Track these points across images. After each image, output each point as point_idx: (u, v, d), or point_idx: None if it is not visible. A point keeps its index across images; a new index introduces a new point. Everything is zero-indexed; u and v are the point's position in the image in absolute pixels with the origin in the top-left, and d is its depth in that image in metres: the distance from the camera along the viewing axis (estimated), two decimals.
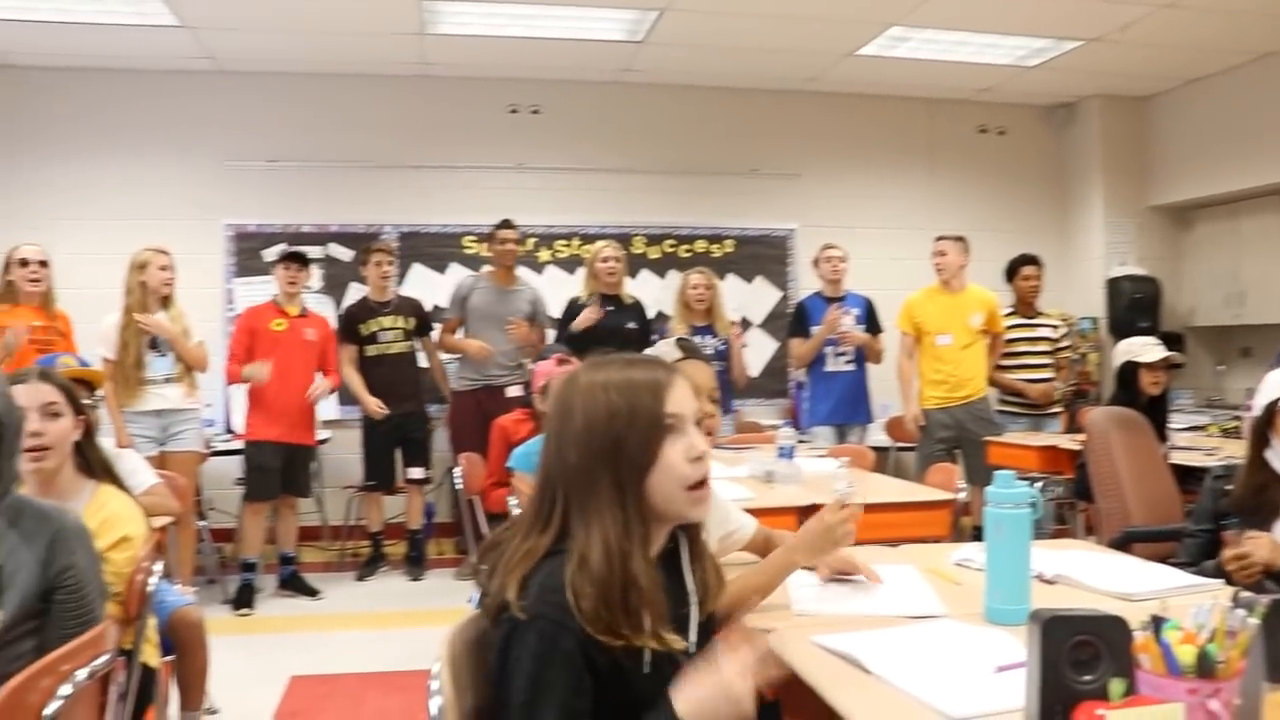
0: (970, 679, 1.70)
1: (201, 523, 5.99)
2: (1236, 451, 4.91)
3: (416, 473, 6.32)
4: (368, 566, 6.37)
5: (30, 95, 7.11)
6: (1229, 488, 2.86)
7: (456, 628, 1.77)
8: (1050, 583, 2.38)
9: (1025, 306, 6.74)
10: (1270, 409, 2.76)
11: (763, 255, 8.06)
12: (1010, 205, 8.47)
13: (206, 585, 5.95)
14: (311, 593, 5.89)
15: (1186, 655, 1.23)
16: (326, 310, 7.03)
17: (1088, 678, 1.24)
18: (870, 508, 3.82)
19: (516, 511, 3.61)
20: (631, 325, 6.29)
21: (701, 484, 1.60)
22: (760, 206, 8.06)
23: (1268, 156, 7.33)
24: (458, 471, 4.65)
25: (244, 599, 5.66)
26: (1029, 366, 6.58)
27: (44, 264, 5.29)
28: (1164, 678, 1.23)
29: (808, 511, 3.76)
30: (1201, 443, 5.59)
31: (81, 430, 2.62)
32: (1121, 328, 8.08)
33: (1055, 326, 6.89)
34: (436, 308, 6.91)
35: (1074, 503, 6.67)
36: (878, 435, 7.07)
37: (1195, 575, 2.46)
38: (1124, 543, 3.56)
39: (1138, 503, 3.76)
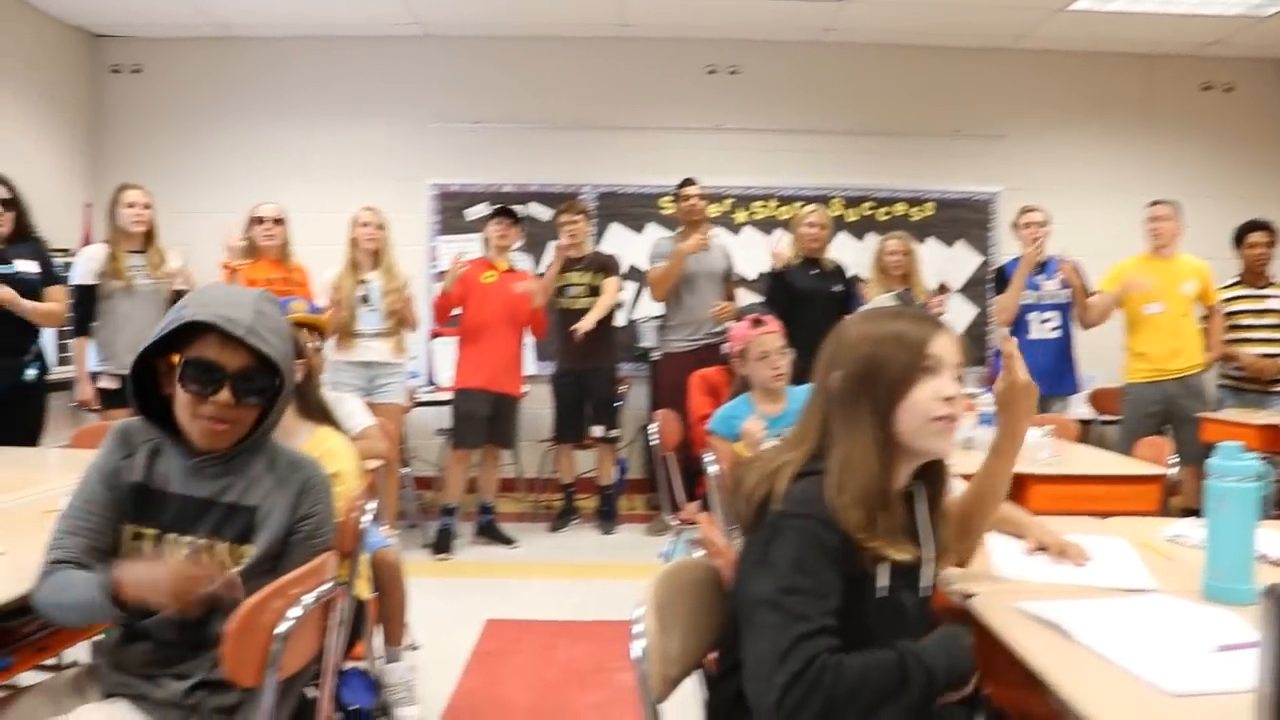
0: (1188, 656, 1.63)
1: (404, 470, 6.26)
2: None
3: (599, 431, 6.41)
4: (560, 519, 6.54)
5: (259, 64, 7.55)
6: None
7: (663, 573, 1.81)
8: (1278, 564, 2.25)
9: (1253, 276, 6.32)
10: None
11: (964, 219, 7.83)
12: (1234, 168, 7.95)
13: (408, 529, 6.23)
14: (507, 541, 6.08)
15: None
16: (527, 269, 7.22)
17: None
18: (1076, 479, 3.75)
19: (714, 470, 3.65)
20: (838, 289, 6.18)
21: (948, 419, 1.72)
22: (963, 168, 7.82)
23: None
24: (653, 428, 4.69)
25: (443, 544, 5.91)
26: (1255, 341, 6.19)
27: (279, 221, 5.61)
28: None
29: (1014, 480, 3.66)
30: None
31: (302, 373, 2.76)
32: None
33: None
34: (634, 268, 6.98)
35: None
36: (1081, 408, 6.79)
37: None
38: None
39: None
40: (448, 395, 6.30)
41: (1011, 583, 2.07)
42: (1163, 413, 5.87)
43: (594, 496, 6.71)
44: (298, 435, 2.74)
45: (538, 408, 6.97)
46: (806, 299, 5.99)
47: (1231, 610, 1.87)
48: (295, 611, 1.82)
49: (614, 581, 5.29)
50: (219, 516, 2.01)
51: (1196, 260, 6.04)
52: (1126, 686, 1.53)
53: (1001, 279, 6.23)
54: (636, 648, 1.70)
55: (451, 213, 7.52)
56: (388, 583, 3.31)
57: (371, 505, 2.66)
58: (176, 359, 1.94)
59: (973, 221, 7.84)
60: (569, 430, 6.45)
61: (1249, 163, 8.00)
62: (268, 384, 1.98)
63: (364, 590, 2.77)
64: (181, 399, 1.95)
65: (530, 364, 7.15)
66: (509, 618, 4.71)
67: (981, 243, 7.83)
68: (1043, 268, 6.14)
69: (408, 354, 5.82)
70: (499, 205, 6.13)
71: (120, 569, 1.86)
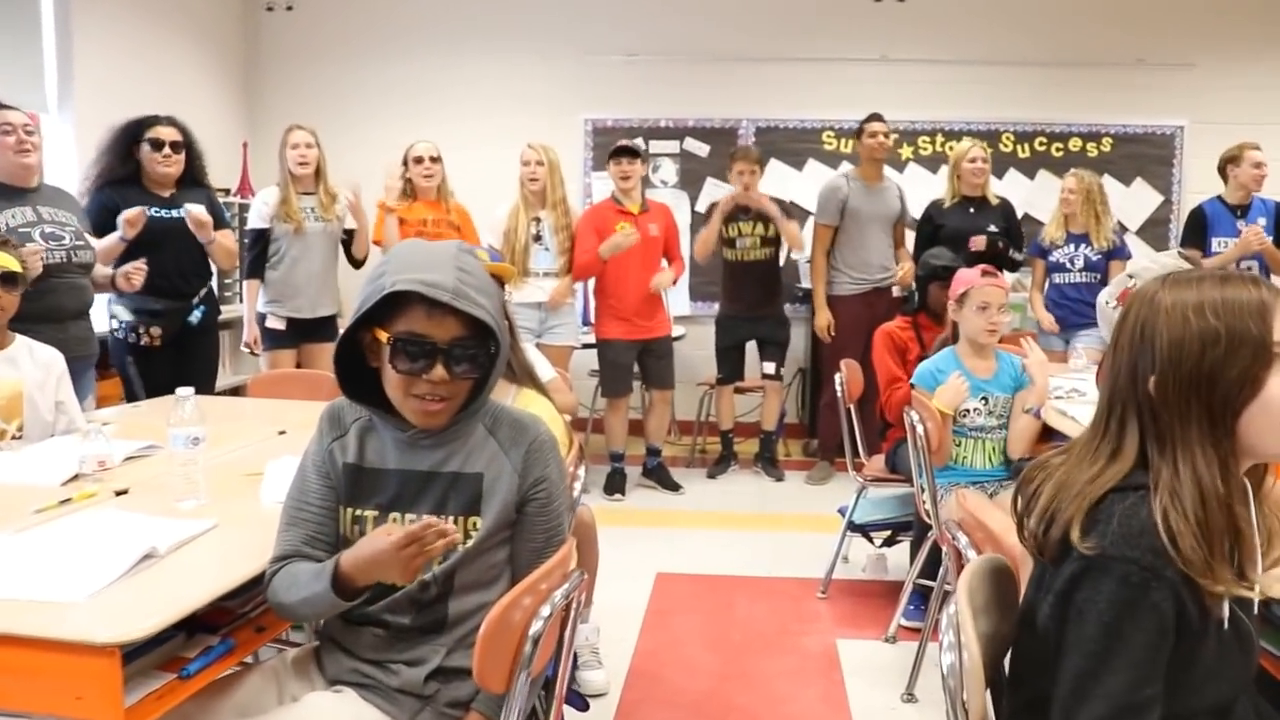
0: None
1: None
2: None
3: (770, 367, 6.19)
4: (719, 464, 6.38)
5: None
6: None
7: (971, 573, 1.61)
8: None
9: None
10: None
11: (1144, 155, 7.32)
12: None
13: None
14: (674, 487, 5.96)
15: None
16: (682, 205, 7.03)
17: None
18: None
19: (920, 428, 3.43)
20: (993, 228, 5.86)
21: None
22: (1145, 101, 7.29)
23: None
24: (838, 377, 4.48)
25: (615, 485, 5.87)
26: None
27: (435, 159, 5.49)
28: None
29: None
30: None
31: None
32: None
33: None
34: (792, 204, 6.73)
35: None
36: None
37: None
38: None
39: None
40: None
41: None
42: None
43: (751, 441, 6.54)
44: (502, 399, 2.60)
45: (693, 349, 6.80)
46: (958, 239, 5.70)
47: None
48: (546, 610, 1.68)
49: (781, 534, 5.14)
50: (442, 489, 1.87)
51: None
52: None
53: (1198, 221, 5.80)
54: (946, 660, 1.50)
55: (606, 148, 7.28)
56: (582, 543, 3.19)
57: (581, 472, 2.52)
58: (382, 334, 1.80)
59: (1154, 158, 7.33)
60: (731, 372, 6.26)
61: None
62: (481, 350, 1.82)
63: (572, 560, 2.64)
64: (392, 378, 1.82)
65: (684, 304, 7.00)
66: (679, 571, 4.59)
67: (1163, 180, 7.33)
68: (1245, 212, 5.71)
69: (576, 294, 5.69)
70: (618, 144, 5.87)
71: (343, 557, 1.75)
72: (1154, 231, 7.26)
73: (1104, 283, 5.69)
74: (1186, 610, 1.34)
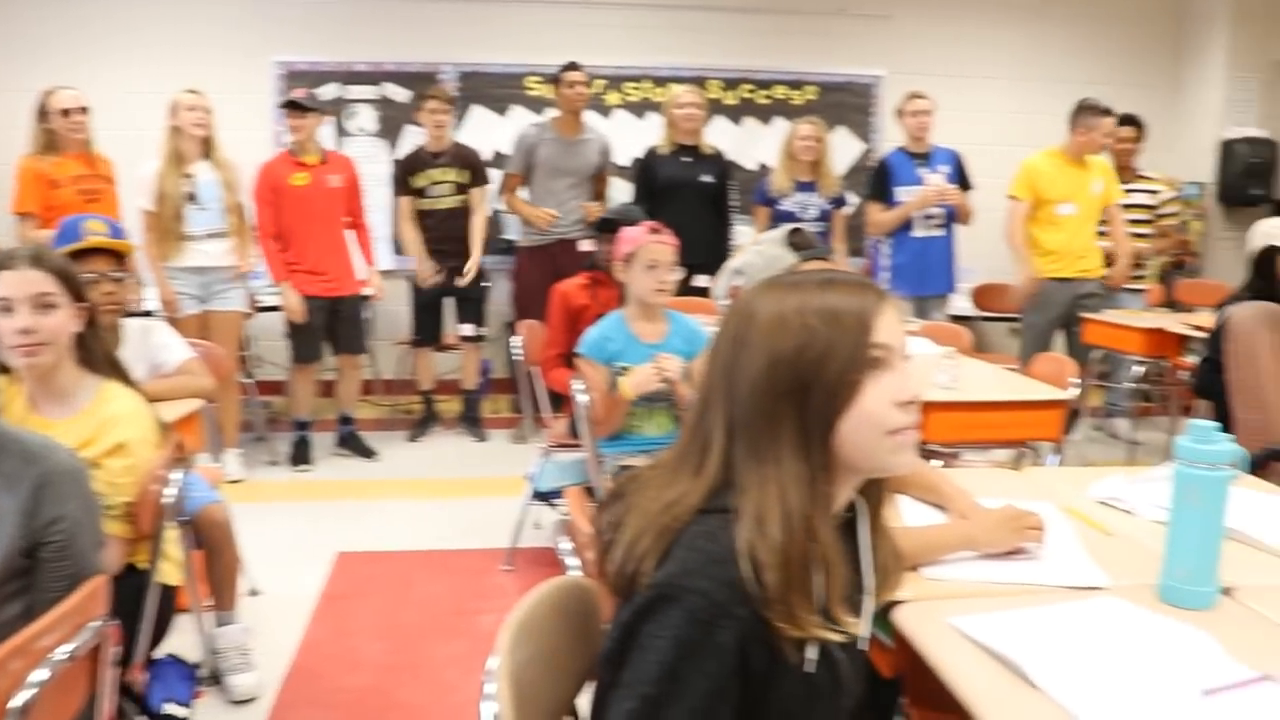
0: (1173, 710, 1.33)
1: (247, 380, 5.72)
2: None
3: (468, 329, 5.97)
4: (420, 426, 6.11)
5: None
6: None
7: (528, 606, 1.42)
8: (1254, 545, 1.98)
9: (1121, 170, 6.15)
10: None
11: (846, 104, 7.45)
12: (1122, 56, 7.70)
13: (254, 443, 5.73)
14: (368, 454, 5.65)
15: None
16: (381, 155, 6.65)
17: None
18: (977, 406, 3.50)
19: (583, 399, 3.27)
20: (708, 179, 5.82)
21: (905, 430, 1.29)
22: (846, 50, 7.41)
23: None
24: (515, 340, 4.29)
25: (301, 455, 5.49)
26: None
27: (84, 110, 4.91)
28: None
29: None
30: None
31: (84, 320, 2.25)
32: (1231, 195, 7.51)
33: (1154, 192, 6.31)
34: (498, 154, 6.47)
35: (1167, 383, 6.27)
36: (961, 303, 6.61)
37: None
38: (1265, 461, 3.15)
39: None
40: None
41: (941, 583, 1.75)
42: (1067, 314, 5.71)
43: (456, 400, 6.30)
44: (80, 393, 2.25)
45: (395, 305, 6.46)
46: (672, 189, 5.63)
47: (1191, 618, 1.60)
48: (41, 675, 1.38)
49: (479, 500, 4.93)
50: None
51: (1103, 160, 5.82)
52: None
53: (882, 172, 5.91)
54: (487, 712, 1.30)
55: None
56: (217, 543, 2.89)
57: (177, 475, 2.22)
58: None
59: (855, 106, 7.47)
60: (428, 332, 6.00)
61: (1136, 49, 7.76)
62: None
63: (172, 575, 2.32)
64: None
65: (387, 259, 6.64)
66: (363, 549, 4.31)
67: (864, 129, 7.49)
68: (927, 159, 5.86)
69: (251, 255, 5.22)
70: (285, 99, 5.45)
71: None
72: (856, 179, 7.39)
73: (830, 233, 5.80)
74: (754, 655, 1.17)
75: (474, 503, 4.90)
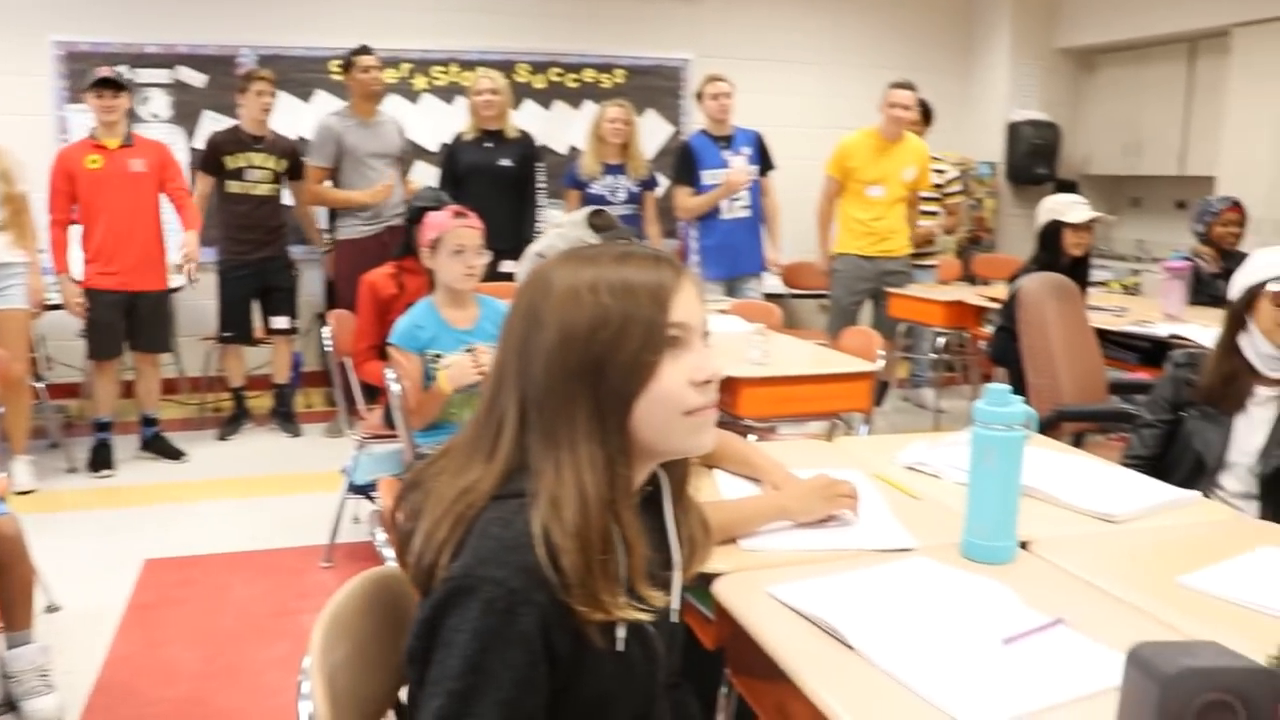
0: (977, 659, 1.40)
1: (38, 383, 5.38)
2: (1147, 313, 4.77)
3: (280, 322, 5.79)
4: (230, 424, 5.89)
5: None
6: (1194, 377, 2.62)
7: (340, 601, 1.39)
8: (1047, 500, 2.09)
9: None
10: (1251, 293, 2.50)
11: (654, 87, 7.52)
12: (917, 42, 8.03)
13: (48, 450, 5.42)
14: (175, 455, 5.39)
15: None
16: (177, 142, 6.33)
17: None
18: (787, 380, 3.59)
19: (396, 388, 3.22)
20: (507, 163, 5.78)
21: (703, 410, 1.27)
22: (654, 33, 7.48)
23: (1174, 3, 7.06)
24: (326, 331, 4.19)
25: (102, 459, 5.19)
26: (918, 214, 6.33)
27: None
28: None
29: (722, 384, 3.44)
30: (1107, 300, 5.44)
31: None
32: (1019, 174, 7.92)
33: (941, 171, 6.61)
34: (301, 139, 6.28)
35: (967, 352, 6.59)
36: (771, 282, 6.77)
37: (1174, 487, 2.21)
38: (1055, 422, 3.35)
39: (1068, 377, 3.53)
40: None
41: (758, 554, 1.79)
42: (872, 289, 5.90)
43: (267, 395, 6.10)
44: None
45: (200, 299, 6.19)
46: (473, 174, 5.60)
47: (994, 573, 1.69)
48: None
49: (295, 497, 4.79)
50: None
51: (919, 143, 6.02)
52: (917, 713, 1.28)
53: (686, 155, 5.99)
54: (303, 711, 1.27)
55: (83, 76, 6.41)
56: (7, 560, 2.71)
57: None
58: None
59: (663, 90, 7.56)
60: (238, 327, 5.78)
61: (928, 36, 8.10)
62: None
63: None
64: None
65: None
66: (173, 555, 4.13)
67: (673, 112, 7.58)
68: (729, 142, 5.97)
69: (34, 247, 4.90)
70: (98, 75, 5.13)
71: None
72: (665, 162, 7.47)
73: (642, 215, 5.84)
74: (558, 639, 1.16)
75: (290, 500, 4.76)
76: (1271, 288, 2.45)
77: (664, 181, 6.74)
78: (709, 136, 5.98)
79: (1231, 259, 4.79)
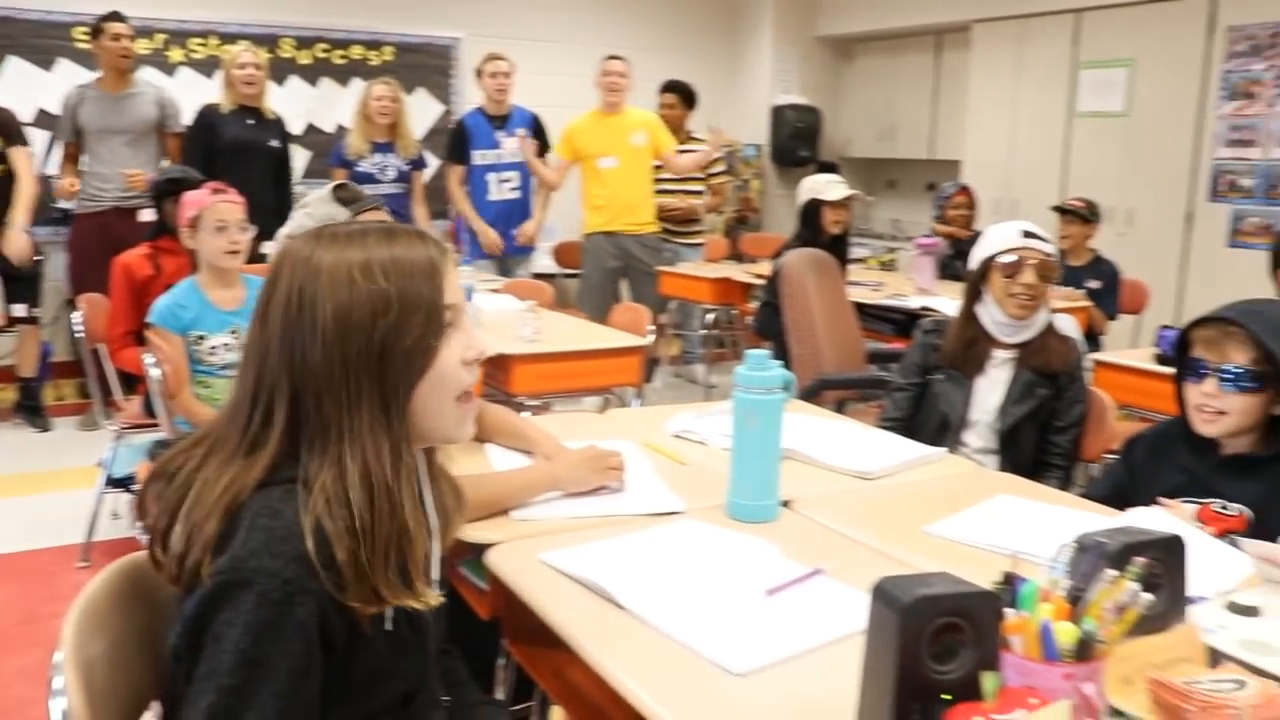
0: (742, 610, 1.46)
1: None
2: (902, 287, 5.04)
3: (20, 310, 5.38)
4: None
5: None
6: (939, 342, 2.80)
7: (91, 592, 1.33)
8: (782, 458, 2.19)
9: (673, 134, 6.54)
10: (985, 265, 2.69)
11: (425, 65, 7.40)
12: (682, 26, 8.20)
13: None
14: None
15: (1066, 636, 1.02)
16: None
17: (947, 668, 1.00)
18: (560, 356, 3.63)
19: (156, 372, 3.07)
20: (275, 143, 5.60)
21: (469, 395, 1.28)
22: (423, 11, 7.34)
23: None
24: (76, 316, 3.94)
25: None
26: (677, 193, 6.46)
27: None
28: (1036, 663, 1.02)
29: (493, 362, 3.45)
30: (866, 276, 5.72)
31: None
32: (783, 156, 8.21)
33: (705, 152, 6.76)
34: (43, 113, 5.88)
35: (736, 328, 6.80)
36: (543, 261, 6.81)
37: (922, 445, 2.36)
38: (815, 390, 3.50)
39: (829, 348, 3.70)
40: None
41: (531, 523, 1.81)
42: (621, 267, 5.95)
43: (11, 389, 5.69)
44: None
45: None
46: (239, 152, 5.37)
47: (757, 531, 1.77)
48: None
49: (47, 495, 4.49)
50: None
51: (645, 112, 6.10)
52: (690, 667, 1.32)
53: (460, 134, 5.95)
54: (55, 709, 1.20)
55: None
56: None
57: None
58: None
59: (434, 68, 7.45)
60: None
61: (695, 21, 8.28)
62: None
63: None
64: None
65: None
66: None
67: (443, 91, 7.48)
68: (505, 122, 5.95)
69: None
70: None
71: None
72: (436, 141, 7.37)
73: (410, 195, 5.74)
74: (334, 624, 1.14)
75: (41, 499, 4.46)
76: (1001, 260, 2.64)
77: (434, 161, 6.66)
78: (485, 115, 5.94)
79: (964, 241, 5.14)
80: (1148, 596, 1.03)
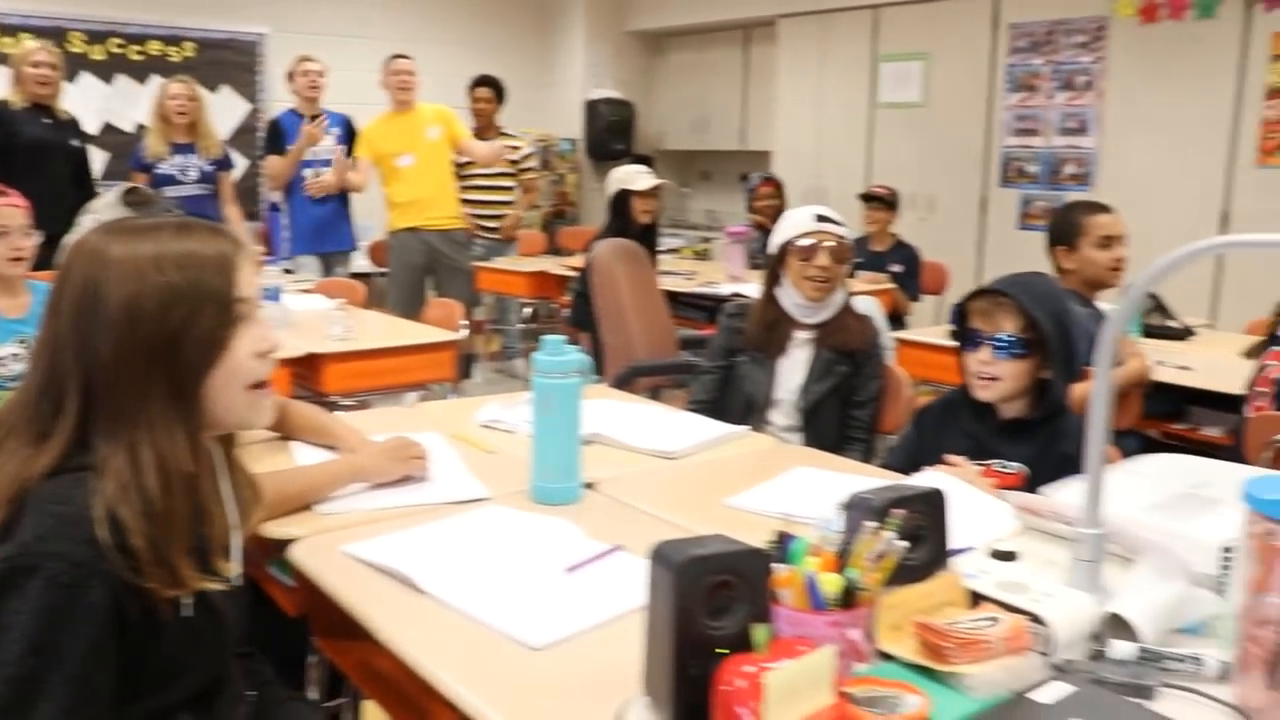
0: (542, 588, 1.49)
1: None
2: (714, 275, 5.16)
3: None
4: None
5: None
6: (742, 325, 2.88)
7: None
8: (587, 442, 2.22)
9: (484, 130, 6.53)
10: (782, 250, 2.78)
11: (228, 62, 7.19)
12: (493, 21, 8.18)
13: None
14: None
15: (831, 585, 1.08)
16: None
17: (722, 623, 1.04)
18: (372, 354, 3.59)
19: None
20: (76, 143, 5.35)
21: (264, 384, 1.31)
22: (226, 6, 7.13)
23: None
24: None
25: None
26: (488, 188, 6.44)
27: None
28: (804, 613, 1.07)
29: (304, 362, 3.39)
30: (679, 265, 5.83)
31: None
32: (598, 150, 8.29)
33: (516, 148, 6.75)
34: None
35: (555, 321, 6.81)
36: (361, 261, 6.69)
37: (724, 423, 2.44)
38: (628, 378, 3.55)
39: (640, 335, 3.77)
40: None
41: (335, 517, 1.79)
42: (427, 264, 5.90)
43: None
44: None
45: None
46: (38, 152, 5.11)
47: (559, 513, 1.79)
48: None
49: None
50: None
51: (438, 106, 6.05)
52: (488, 644, 1.34)
53: (276, 132, 5.80)
54: None
55: None
56: None
57: None
58: None
59: (239, 65, 7.24)
60: None
61: (506, 15, 8.27)
62: None
63: None
64: None
65: None
66: None
67: (249, 89, 7.28)
68: (317, 117, 5.82)
69: None
70: None
71: None
72: (243, 140, 7.19)
73: (217, 196, 5.52)
74: (128, 607, 1.13)
75: None
76: (797, 244, 2.74)
77: (242, 161, 6.47)
78: (297, 114, 5.80)
79: (772, 230, 5.29)
80: (902, 544, 1.11)
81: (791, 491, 1.93)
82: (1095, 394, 1.30)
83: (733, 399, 2.84)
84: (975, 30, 6.41)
